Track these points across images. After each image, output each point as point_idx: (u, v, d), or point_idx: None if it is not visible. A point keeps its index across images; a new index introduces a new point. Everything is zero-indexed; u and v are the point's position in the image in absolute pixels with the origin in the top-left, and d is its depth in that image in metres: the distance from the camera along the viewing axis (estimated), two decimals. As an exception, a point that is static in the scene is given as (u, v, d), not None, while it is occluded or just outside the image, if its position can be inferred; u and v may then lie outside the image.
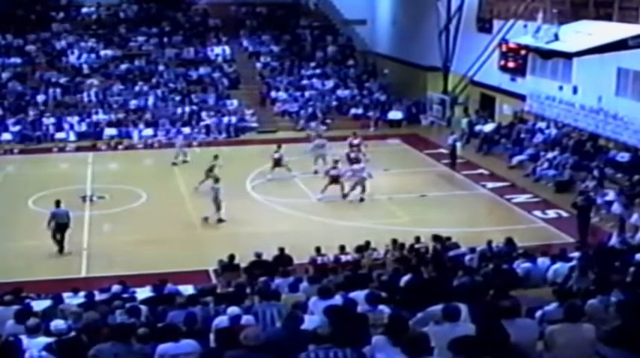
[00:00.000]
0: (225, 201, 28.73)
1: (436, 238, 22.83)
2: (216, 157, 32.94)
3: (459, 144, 37.27)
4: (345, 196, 31.08)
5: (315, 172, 34.38)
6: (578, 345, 9.28)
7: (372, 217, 28.91)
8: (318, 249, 22.48)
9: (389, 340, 8.82)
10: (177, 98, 47.93)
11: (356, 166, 32.22)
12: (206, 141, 42.56)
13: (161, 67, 50.95)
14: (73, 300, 16.87)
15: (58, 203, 25.88)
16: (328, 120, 45.75)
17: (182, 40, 53.76)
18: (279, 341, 9.92)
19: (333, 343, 8.72)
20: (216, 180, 29.50)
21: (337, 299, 12.58)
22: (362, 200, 30.88)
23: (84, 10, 56.26)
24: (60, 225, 25.45)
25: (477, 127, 40.85)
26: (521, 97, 38.58)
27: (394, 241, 22.80)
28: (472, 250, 21.24)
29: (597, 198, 27.40)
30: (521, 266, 17.79)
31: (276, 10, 58.14)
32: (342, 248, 22.59)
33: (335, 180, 31.23)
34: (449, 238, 22.95)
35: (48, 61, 50.55)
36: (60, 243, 25.40)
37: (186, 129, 43.60)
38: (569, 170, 31.83)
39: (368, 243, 22.67)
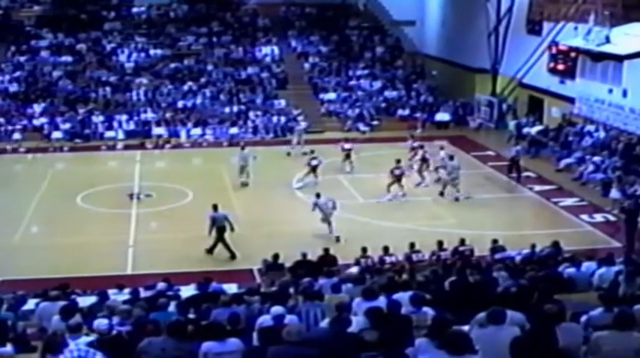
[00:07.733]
0: (270, 200, 29.10)
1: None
2: (312, 151, 34.16)
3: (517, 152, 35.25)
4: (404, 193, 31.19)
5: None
6: (625, 354, 9.14)
7: (416, 218, 28.81)
8: (364, 250, 22.34)
9: (432, 342, 8.77)
10: (226, 98, 48.17)
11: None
12: (253, 140, 42.53)
13: (210, 67, 51.25)
14: (118, 297, 17.02)
15: (215, 207, 25.49)
16: (375, 121, 45.77)
17: (231, 40, 54.10)
18: (323, 341, 9.91)
19: (380, 350, 8.65)
20: None
21: (381, 301, 12.53)
22: (457, 199, 30.87)
23: (134, 9, 56.95)
24: (219, 229, 25.18)
25: (525, 130, 40.53)
26: (570, 100, 38.22)
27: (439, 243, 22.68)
28: (517, 254, 21.15)
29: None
30: (567, 270, 17.62)
31: (325, 11, 58.24)
32: (386, 249, 22.48)
33: (398, 179, 30.98)
34: (495, 240, 22.80)
35: (98, 60, 51.13)
36: (228, 248, 25.12)
37: (234, 129, 43.92)
38: (617, 173, 31.40)
39: (412, 245, 22.53)
